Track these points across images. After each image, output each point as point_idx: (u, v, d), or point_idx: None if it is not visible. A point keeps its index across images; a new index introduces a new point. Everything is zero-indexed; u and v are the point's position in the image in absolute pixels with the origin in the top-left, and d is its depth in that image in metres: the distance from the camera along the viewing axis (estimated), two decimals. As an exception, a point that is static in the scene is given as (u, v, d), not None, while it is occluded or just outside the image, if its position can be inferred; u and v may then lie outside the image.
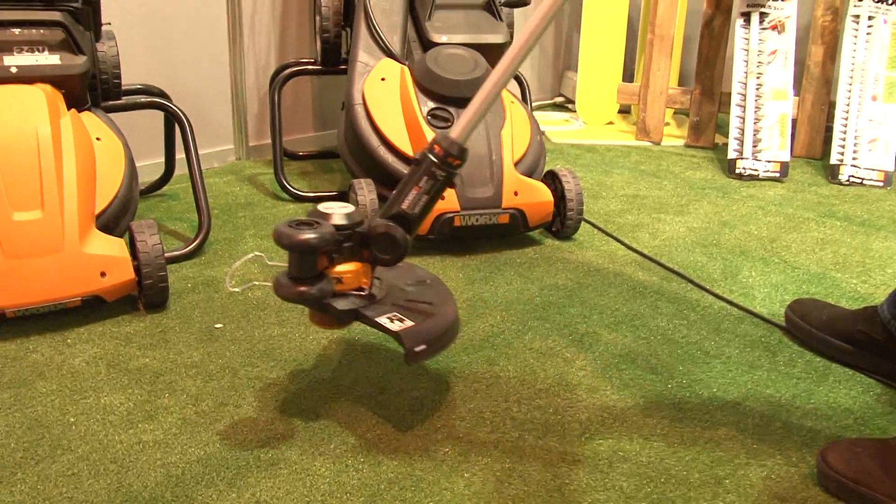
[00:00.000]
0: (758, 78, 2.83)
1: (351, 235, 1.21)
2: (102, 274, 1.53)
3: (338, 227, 1.19)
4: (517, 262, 1.92)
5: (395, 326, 1.17)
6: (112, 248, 1.56)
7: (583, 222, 2.10)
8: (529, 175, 2.02)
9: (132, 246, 1.59)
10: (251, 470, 1.15)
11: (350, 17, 2.35)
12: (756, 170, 2.74)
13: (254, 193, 2.36)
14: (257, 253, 1.56)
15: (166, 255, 1.80)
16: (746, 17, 2.88)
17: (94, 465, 1.15)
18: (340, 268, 1.22)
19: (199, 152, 1.98)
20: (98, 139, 1.70)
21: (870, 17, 2.78)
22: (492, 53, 2.13)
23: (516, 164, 2.00)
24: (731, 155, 2.78)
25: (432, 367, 1.43)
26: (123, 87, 2.01)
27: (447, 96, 1.99)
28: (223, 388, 1.35)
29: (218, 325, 1.56)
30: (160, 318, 1.59)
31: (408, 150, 1.96)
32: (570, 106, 3.64)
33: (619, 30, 3.32)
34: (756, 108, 2.81)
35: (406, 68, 2.07)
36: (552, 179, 2.06)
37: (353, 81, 2.08)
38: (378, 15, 2.15)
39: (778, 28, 2.86)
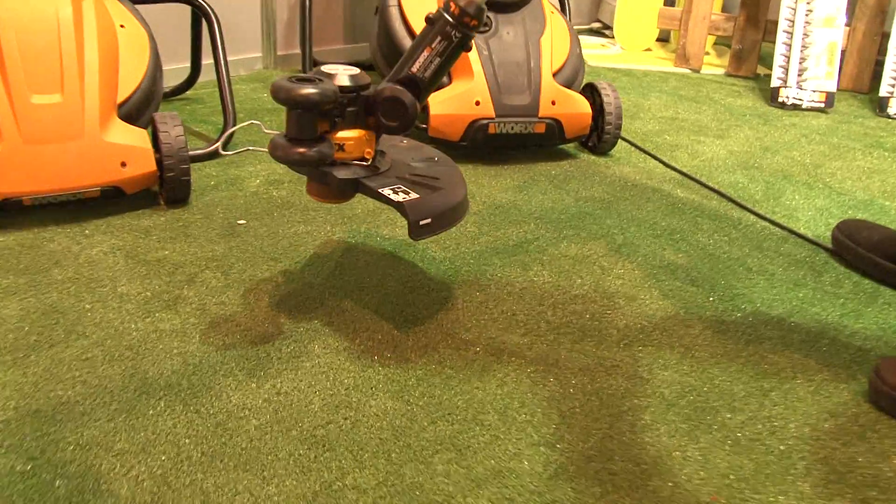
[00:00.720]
0: (808, 3, 2.70)
1: (356, 99, 1.13)
2: (123, 164, 1.47)
3: (342, 89, 1.11)
4: (552, 173, 1.84)
5: (399, 198, 1.09)
6: (134, 137, 1.50)
7: (619, 140, 2.01)
8: (567, 87, 1.93)
9: (154, 137, 1.53)
10: (272, 362, 1.10)
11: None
12: (800, 99, 2.64)
13: (280, 101, 2.28)
14: (254, 121, 1.46)
15: (192, 153, 1.75)
16: (799, -63, 2.74)
17: (109, 351, 1.10)
18: (343, 133, 1.14)
19: (228, 59, 1.91)
20: (122, 26, 1.63)
21: (931, -60, 2.63)
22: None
23: (554, 75, 1.91)
24: (775, 83, 2.67)
25: (463, 269, 1.37)
26: (146, -19, 1.93)
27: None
28: (244, 281, 1.29)
29: (241, 222, 1.51)
30: (181, 213, 1.53)
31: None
32: (607, 32, 3.52)
33: (663, -50, 3.18)
34: (804, 34, 2.69)
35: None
36: (591, 92, 1.97)
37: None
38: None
39: (832, -50, 2.72)
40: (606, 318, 1.25)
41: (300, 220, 1.52)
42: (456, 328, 1.19)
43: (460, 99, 1.78)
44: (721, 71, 3.07)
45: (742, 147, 2.16)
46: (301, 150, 1.08)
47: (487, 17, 1.89)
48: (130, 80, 1.60)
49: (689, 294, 1.35)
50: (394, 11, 1.95)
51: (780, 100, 2.64)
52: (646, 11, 3.19)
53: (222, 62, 1.86)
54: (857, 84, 2.90)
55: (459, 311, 1.24)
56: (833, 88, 2.64)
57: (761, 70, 3.08)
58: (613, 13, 3.34)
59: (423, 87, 1.14)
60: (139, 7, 1.81)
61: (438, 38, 1.12)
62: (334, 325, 1.18)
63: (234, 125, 1.83)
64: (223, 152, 1.24)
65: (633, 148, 2.06)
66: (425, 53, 1.12)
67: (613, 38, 3.33)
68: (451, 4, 1.11)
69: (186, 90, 2.26)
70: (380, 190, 1.11)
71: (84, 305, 1.20)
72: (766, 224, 1.66)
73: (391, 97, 1.13)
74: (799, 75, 2.67)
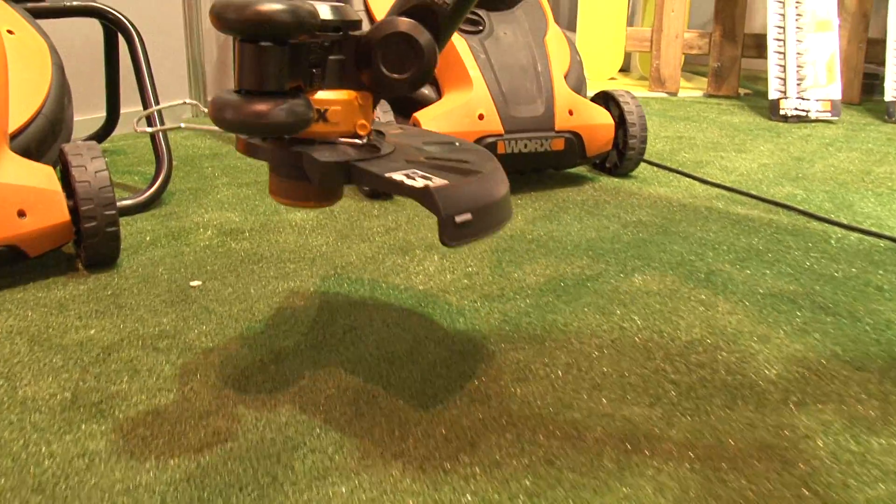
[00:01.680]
0: (797, 7, 2.45)
1: (342, 42, 0.75)
2: (21, 213, 1.04)
3: (324, 24, 0.73)
4: (578, 199, 1.48)
5: (419, 184, 0.70)
6: (35, 176, 1.07)
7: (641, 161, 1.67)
8: (575, 97, 1.58)
9: (65, 177, 1.11)
10: (279, 492, 0.68)
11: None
12: (805, 110, 2.36)
13: (219, 146, 1.87)
14: (189, 100, 1.01)
15: (118, 205, 1.32)
16: (778, -62, 2.50)
17: (6, 499, 0.66)
18: (324, 94, 0.75)
19: (155, 83, 1.50)
20: (10, 32, 1.21)
21: (926, -71, 2.42)
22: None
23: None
24: (773, 95, 2.39)
25: (522, 321, 0.97)
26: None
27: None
28: (214, 365, 0.87)
29: (195, 283, 1.08)
30: (109, 278, 1.10)
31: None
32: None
33: (623, -31, 2.91)
34: (797, 41, 2.43)
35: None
36: (606, 102, 1.62)
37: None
38: None
39: (815, -51, 2.49)
40: (748, 368, 0.87)
41: (276, 276, 1.10)
42: (550, 406, 0.79)
43: (459, 113, 1.41)
44: (699, 93, 2.79)
45: (772, 159, 1.85)
46: (261, 107, 0.69)
47: (478, 15, 1.54)
48: (27, 102, 1.18)
49: (831, 325, 0.98)
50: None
51: (781, 112, 2.36)
52: (609, 38, 2.91)
53: (148, 86, 1.45)
54: (848, 95, 2.65)
55: (543, 380, 0.84)
56: (837, 96, 2.37)
57: (741, 90, 2.82)
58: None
59: (443, 18, 0.76)
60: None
61: None
62: (365, 423, 0.77)
63: (170, 169, 1.41)
64: (140, 130, 0.81)
65: (655, 169, 1.71)
66: None
67: (574, 68, 3.03)
68: None
69: (103, 140, 1.83)
70: (387, 175, 0.72)
71: (-35, 423, 0.76)
72: (861, 236, 1.32)
73: (397, 34, 0.75)
74: (798, 85, 2.39)
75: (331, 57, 0.75)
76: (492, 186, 0.74)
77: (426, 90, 1.48)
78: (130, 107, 1.82)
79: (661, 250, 1.22)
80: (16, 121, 1.14)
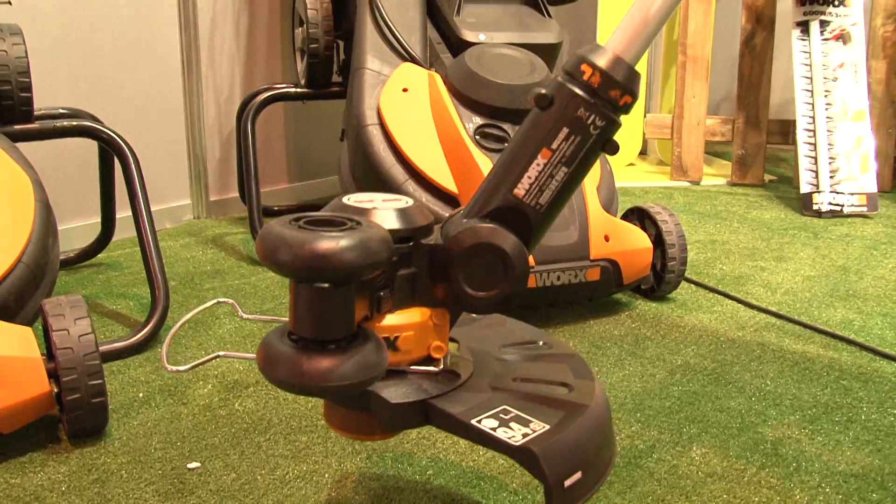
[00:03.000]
0: (825, 96, 2.34)
1: (411, 253, 0.62)
2: (-6, 388, 0.90)
3: (393, 236, 0.60)
4: (615, 335, 1.34)
5: (517, 436, 0.56)
6: (10, 342, 0.94)
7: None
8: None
9: (46, 338, 0.98)
10: None
11: (343, 24, 1.80)
12: (839, 205, 2.24)
13: (222, 258, 1.75)
14: (222, 299, 0.90)
15: (105, 348, 1.20)
16: (804, 26, 2.41)
17: None
18: (393, 319, 0.63)
19: (150, 207, 1.38)
20: (-10, 172, 1.10)
21: (956, 20, 2.33)
22: (543, 59, 1.59)
23: (593, 199, 1.44)
24: (805, 189, 2.27)
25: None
26: (41, 111, 1.42)
27: (500, 108, 1.43)
28: None
29: (192, 465, 0.95)
30: (95, 457, 0.96)
31: (448, 183, 1.38)
32: (580, 147, 3.12)
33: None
34: (828, 131, 2.32)
35: (435, 74, 1.51)
36: (640, 219, 1.50)
37: (362, 96, 1.50)
38: (390, 9, 1.60)
39: (843, 38, 2.40)
40: None
41: (287, 454, 0.97)
42: None
43: (487, 241, 1.28)
44: (723, 181, 2.68)
45: (815, 270, 1.72)
46: (326, 363, 0.55)
47: (503, 130, 1.42)
48: (3, 250, 1.05)
49: (934, 527, 0.84)
50: (373, 132, 1.46)
51: (814, 207, 2.24)
52: (627, 122, 2.81)
53: (144, 214, 1.33)
54: (881, 184, 2.53)
55: None
56: (874, 189, 2.26)
57: (767, 176, 2.71)
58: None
59: (535, 221, 0.64)
60: (22, 145, 1.28)
61: (565, 132, 0.62)
62: None
63: (166, 305, 1.29)
64: (172, 369, 0.69)
65: (693, 286, 1.58)
66: (540, 161, 0.62)
67: (591, 153, 2.93)
68: (586, 67, 0.62)
69: (99, 252, 1.71)
70: (474, 422, 0.58)
71: None
72: (934, 381, 1.18)
73: (481, 246, 0.62)
74: (831, 178, 2.28)
75: (399, 272, 0.62)
76: (597, 423, 0.61)
77: (447, 214, 1.36)
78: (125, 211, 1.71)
79: (717, 408, 1.09)
80: (-7, 272, 1.01)
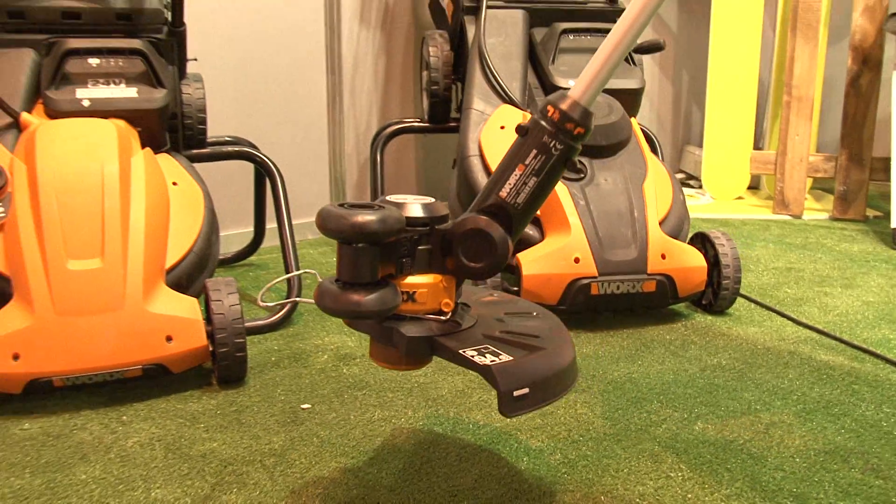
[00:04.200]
0: (922, 138, 2.45)
1: (429, 234, 0.90)
2: (168, 338, 1.25)
3: (412, 221, 0.88)
4: (666, 339, 1.57)
5: (486, 360, 0.83)
6: (182, 307, 1.29)
7: (738, 297, 1.74)
8: (674, 239, 1.69)
9: (207, 307, 1.33)
10: None
11: (460, 69, 2.11)
12: (928, 241, 2.34)
13: (349, 263, 2.08)
14: (308, 270, 1.18)
15: (249, 324, 1.54)
16: (904, 70, 2.53)
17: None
18: (413, 279, 0.90)
19: (293, 223, 1.73)
20: (175, 184, 1.46)
21: None
22: (626, 102, 1.84)
23: (660, 224, 1.67)
24: (896, 224, 2.39)
25: (579, 463, 1.09)
26: (211, 138, 1.79)
27: (578, 143, 1.69)
28: (308, 484, 1.03)
29: (305, 406, 1.26)
30: (236, 395, 1.30)
31: (530, 204, 1.66)
32: (691, 182, 3.31)
33: (749, 94, 3.00)
34: (922, 171, 2.43)
35: (528, 115, 1.79)
36: (702, 243, 1.72)
37: (468, 131, 1.81)
38: (495, 60, 1.90)
39: (943, 82, 2.50)
40: (778, 528, 0.95)
41: (376, 404, 1.27)
42: (582, 548, 0.90)
43: (557, 256, 1.55)
44: (825, 216, 2.81)
45: (878, 297, 1.87)
46: (356, 297, 0.85)
47: (581, 163, 1.69)
48: (181, 242, 1.41)
49: (877, 491, 1.04)
50: (475, 162, 1.76)
51: (904, 243, 2.36)
52: (736, 157, 2.98)
53: (286, 222, 1.68)
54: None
55: (583, 522, 0.96)
56: (965, 229, 2.35)
57: (870, 212, 2.81)
58: (697, 162, 3.15)
59: (515, 216, 0.90)
60: (197, 165, 1.65)
61: (534, 153, 0.89)
62: (422, 546, 0.91)
63: (299, 293, 1.62)
64: (263, 304, 0.98)
65: (753, 305, 1.78)
66: (517, 172, 0.89)
67: (701, 187, 3.11)
68: (550, 108, 0.89)
69: (250, 255, 2.09)
70: (461, 351, 0.86)
71: (107, 521, 0.95)
72: (941, 391, 1.35)
73: (474, 230, 0.89)
74: (922, 216, 2.39)
75: (420, 247, 0.91)
76: (552, 361, 0.87)
77: (531, 231, 1.64)
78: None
79: (731, 397, 1.31)
80: (171, 258, 1.37)
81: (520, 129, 0.90)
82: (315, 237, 2.39)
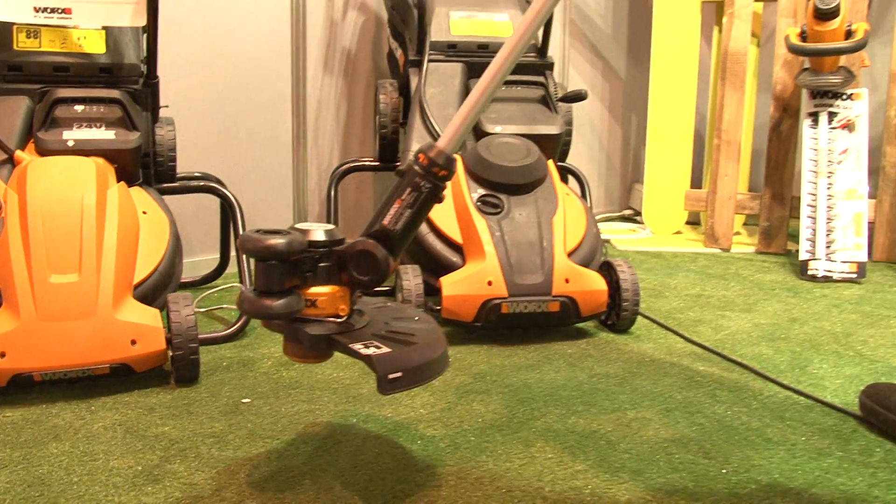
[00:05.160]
0: (829, 177, 2.73)
1: (329, 254, 1.14)
2: (133, 342, 1.50)
3: (314, 244, 1.13)
4: (567, 352, 1.82)
5: (369, 351, 1.07)
6: (145, 316, 1.53)
7: (639, 317, 1.99)
8: (584, 266, 1.94)
9: (167, 317, 1.57)
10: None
11: (407, 113, 2.38)
12: (830, 271, 2.60)
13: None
14: (236, 284, 1.45)
15: (207, 335, 1.78)
16: (814, 116, 2.81)
17: (93, 528, 1.08)
18: (315, 289, 1.14)
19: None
20: (144, 212, 1.71)
21: (947, 116, 2.67)
22: (546, 145, 2.11)
23: (570, 254, 1.92)
24: (803, 256, 2.65)
25: (463, 446, 1.33)
26: (182, 174, 2.04)
27: (498, 183, 1.95)
28: (238, 459, 1.27)
29: (245, 400, 1.50)
30: (188, 392, 1.54)
31: (457, 237, 1.91)
32: (638, 218, 3.58)
33: (686, 137, 3.27)
34: (828, 207, 2.70)
35: (458, 157, 2.05)
36: (607, 270, 1.97)
37: (405, 170, 2.06)
38: (433, 107, 2.16)
39: (848, 127, 2.78)
40: (609, 493, 1.19)
41: (304, 400, 1.51)
42: (447, 504, 1.15)
43: (473, 279, 1.80)
44: (751, 249, 3.07)
45: (769, 319, 2.12)
46: (268, 302, 1.09)
47: (499, 198, 1.94)
48: (148, 262, 1.66)
49: (701, 467, 1.28)
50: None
51: (809, 272, 2.61)
52: (673, 194, 3.25)
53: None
54: (892, 255, 2.87)
55: (453, 487, 1.20)
56: (864, 259, 2.61)
57: (792, 245, 3.07)
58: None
59: (395, 240, 1.14)
60: (170, 197, 1.91)
61: (408, 190, 1.14)
62: (322, 502, 1.15)
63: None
64: (196, 310, 1.27)
65: (654, 324, 2.03)
66: (396, 206, 1.14)
67: (643, 222, 3.37)
68: (421, 155, 1.14)
69: (216, 278, 2.33)
70: (351, 345, 1.11)
71: (72, 479, 1.19)
72: (790, 394, 1.60)
73: (362, 251, 1.14)
74: (827, 247, 2.65)
75: (321, 264, 1.16)
76: (423, 353, 1.13)
77: (454, 258, 1.89)
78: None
79: (608, 398, 1.55)
80: (139, 275, 1.62)
81: (398, 172, 1.16)
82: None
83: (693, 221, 3.46)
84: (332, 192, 2.36)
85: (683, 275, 2.64)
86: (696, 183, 3.42)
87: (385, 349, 1.09)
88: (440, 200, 1.16)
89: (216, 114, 2.45)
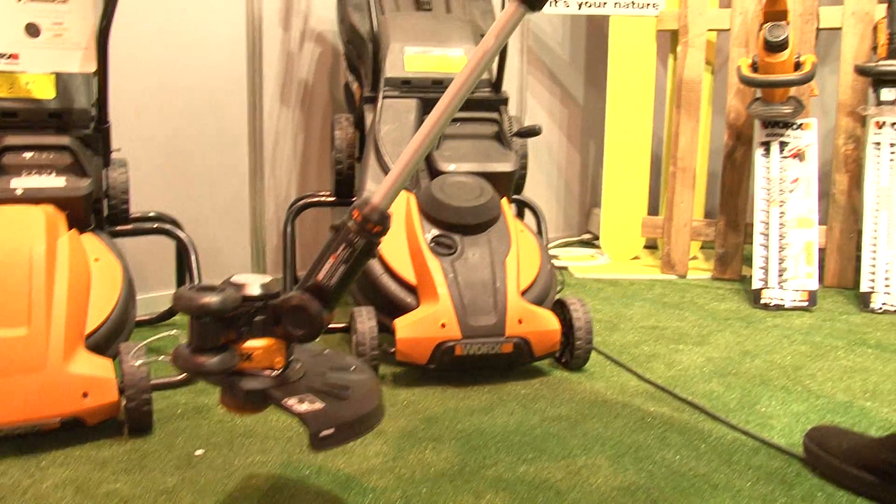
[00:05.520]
0: (780, 206, 2.78)
1: (263, 307, 1.15)
2: (85, 394, 1.49)
3: (249, 298, 1.13)
4: (521, 393, 1.84)
5: (302, 408, 1.09)
6: (97, 368, 1.53)
7: (594, 353, 2.02)
8: (539, 304, 1.96)
9: (120, 368, 1.56)
10: None
11: (363, 149, 2.39)
12: (782, 299, 2.66)
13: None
14: (174, 332, 1.48)
15: (162, 381, 1.77)
16: (766, 146, 2.86)
17: None
18: (250, 343, 1.15)
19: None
20: (96, 259, 1.71)
21: (891, 145, 2.74)
22: (500, 183, 2.13)
23: (524, 293, 1.95)
24: (756, 285, 2.70)
25: (413, 498, 1.34)
26: (136, 214, 2.04)
27: (451, 223, 1.97)
28: (190, 517, 1.27)
29: (198, 452, 1.50)
30: (141, 444, 1.53)
31: (410, 277, 1.93)
32: (596, 242, 3.61)
33: (643, 163, 3.32)
34: (780, 236, 2.75)
35: (412, 196, 2.07)
36: (561, 308, 2.00)
37: (360, 209, 2.07)
38: (388, 145, 2.18)
39: (799, 156, 2.84)
40: (556, 547, 1.21)
41: (257, 450, 1.51)
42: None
43: (426, 322, 1.82)
44: (707, 275, 3.11)
45: (721, 353, 2.16)
46: (201, 359, 1.10)
47: (452, 239, 1.96)
48: (100, 311, 1.65)
49: (648, 518, 1.31)
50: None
51: (762, 301, 2.66)
52: (631, 221, 3.29)
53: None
54: (842, 280, 2.93)
55: (403, 544, 1.21)
56: (815, 287, 2.66)
57: (747, 271, 3.12)
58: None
59: (329, 295, 1.15)
60: (120, 239, 1.90)
61: (343, 246, 1.15)
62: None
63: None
64: (135, 363, 1.32)
65: (607, 360, 2.06)
66: (330, 261, 1.16)
67: (601, 247, 3.41)
68: (355, 212, 1.15)
69: (172, 316, 2.32)
70: (284, 401, 1.12)
71: (19, 548, 1.19)
72: (738, 434, 1.63)
73: (297, 306, 1.15)
74: (779, 276, 2.70)
75: (256, 317, 1.17)
76: (356, 408, 1.14)
77: (408, 299, 1.90)
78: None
79: (559, 444, 1.57)
80: (91, 325, 1.61)
81: (333, 227, 1.18)
82: (238, 296, 2.63)
83: (651, 245, 3.50)
84: (289, 228, 2.36)
85: (639, 304, 2.67)
86: (654, 207, 3.46)
87: (318, 405, 1.11)
88: (374, 256, 1.17)
89: (172, 148, 2.44)
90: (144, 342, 1.60)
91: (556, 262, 3.23)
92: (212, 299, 1.09)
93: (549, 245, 3.53)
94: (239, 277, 1.17)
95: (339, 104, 2.84)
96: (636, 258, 3.39)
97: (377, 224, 1.15)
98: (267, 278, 1.18)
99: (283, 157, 2.73)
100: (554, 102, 3.65)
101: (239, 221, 2.65)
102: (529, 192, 2.61)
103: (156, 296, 2.41)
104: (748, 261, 3.19)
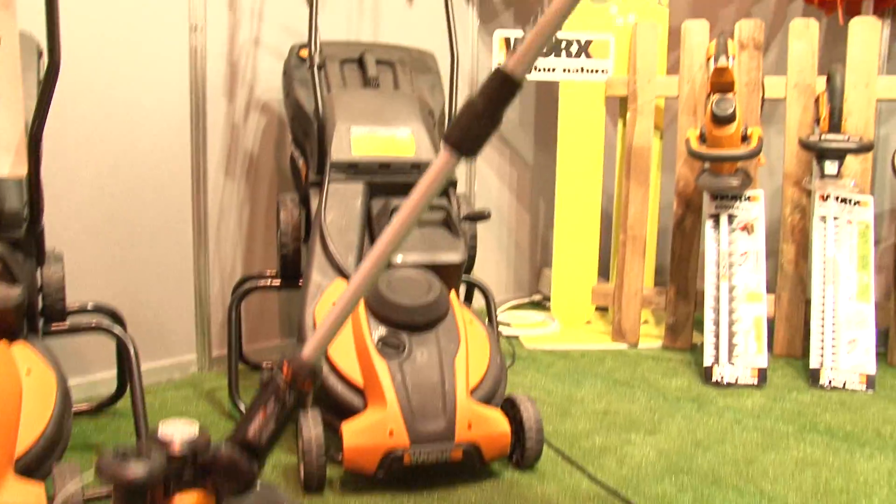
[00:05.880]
0: (730, 280, 2.79)
1: (192, 464, 1.11)
2: (10, 532, 1.41)
3: (177, 459, 1.09)
4: (471, 499, 1.80)
5: None
6: (27, 495, 1.45)
7: (545, 447, 1.98)
8: (488, 401, 1.93)
9: (53, 489, 1.49)
10: None
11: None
12: (734, 377, 2.66)
13: (209, 412, 2.26)
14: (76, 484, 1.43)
15: (99, 492, 1.69)
16: (715, 218, 2.88)
17: None
18: (180, 498, 1.11)
19: (160, 362, 1.93)
20: (28, 372, 1.63)
21: (835, 218, 2.77)
22: (449, 274, 2.10)
23: (474, 391, 1.91)
24: (707, 361, 2.70)
25: None
26: (75, 305, 1.97)
27: (399, 322, 1.93)
28: None
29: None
30: (71, 579, 1.45)
31: (357, 378, 1.88)
32: (547, 304, 3.59)
33: (593, 228, 3.31)
34: (730, 310, 2.76)
35: (358, 293, 2.02)
36: (511, 407, 1.96)
37: (305, 304, 2.02)
38: (334, 233, 2.13)
39: (748, 229, 2.85)
40: None
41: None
42: None
43: (373, 429, 1.77)
44: (658, 343, 3.11)
45: (673, 444, 2.14)
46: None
47: (400, 338, 1.92)
48: (32, 429, 1.57)
49: None
50: (309, 335, 1.97)
51: (713, 379, 2.66)
52: (581, 286, 3.28)
53: (139, 398, 1.85)
54: (791, 349, 2.95)
55: None
56: (764, 364, 2.67)
57: (697, 338, 3.12)
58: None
59: (259, 449, 1.13)
60: (56, 339, 1.82)
61: (272, 401, 1.12)
62: None
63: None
64: None
65: (560, 457, 2.02)
66: (260, 417, 1.13)
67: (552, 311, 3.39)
68: (285, 367, 1.12)
69: (115, 402, 2.24)
70: None
71: None
72: (691, 551, 1.60)
73: (227, 462, 1.12)
74: (730, 352, 2.70)
75: (184, 473, 1.12)
76: None
77: (355, 401, 1.85)
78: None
79: (510, 566, 1.53)
80: (22, 445, 1.53)
81: (261, 381, 1.14)
82: (182, 377, 2.55)
83: (603, 307, 3.49)
84: (234, 314, 2.29)
85: (590, 383, 2.65)
86: (605, 267, 3.46)
87: None
88: (306, 406, 1.14)
89: (112, 227, 2.37)
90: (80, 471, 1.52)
91: (506, 331, 3.21)
92: (137, 472, 1.03)
93: (500, 308, 3.51)
94: (165, 429, 1.12)
95: (284, 174, 2.79)
96: (588, 322, 3.38)
97: (306, 379, 1.11)
98: (194, 428, 1.13)
99: (229, 231, 2.67)
100: (503, 163, 3.64)
101: (183, 298, 2.58)
102: (480, 253, 2.57)
103: (96, 379, 2.34)
104: (698, 327, 3.21)
